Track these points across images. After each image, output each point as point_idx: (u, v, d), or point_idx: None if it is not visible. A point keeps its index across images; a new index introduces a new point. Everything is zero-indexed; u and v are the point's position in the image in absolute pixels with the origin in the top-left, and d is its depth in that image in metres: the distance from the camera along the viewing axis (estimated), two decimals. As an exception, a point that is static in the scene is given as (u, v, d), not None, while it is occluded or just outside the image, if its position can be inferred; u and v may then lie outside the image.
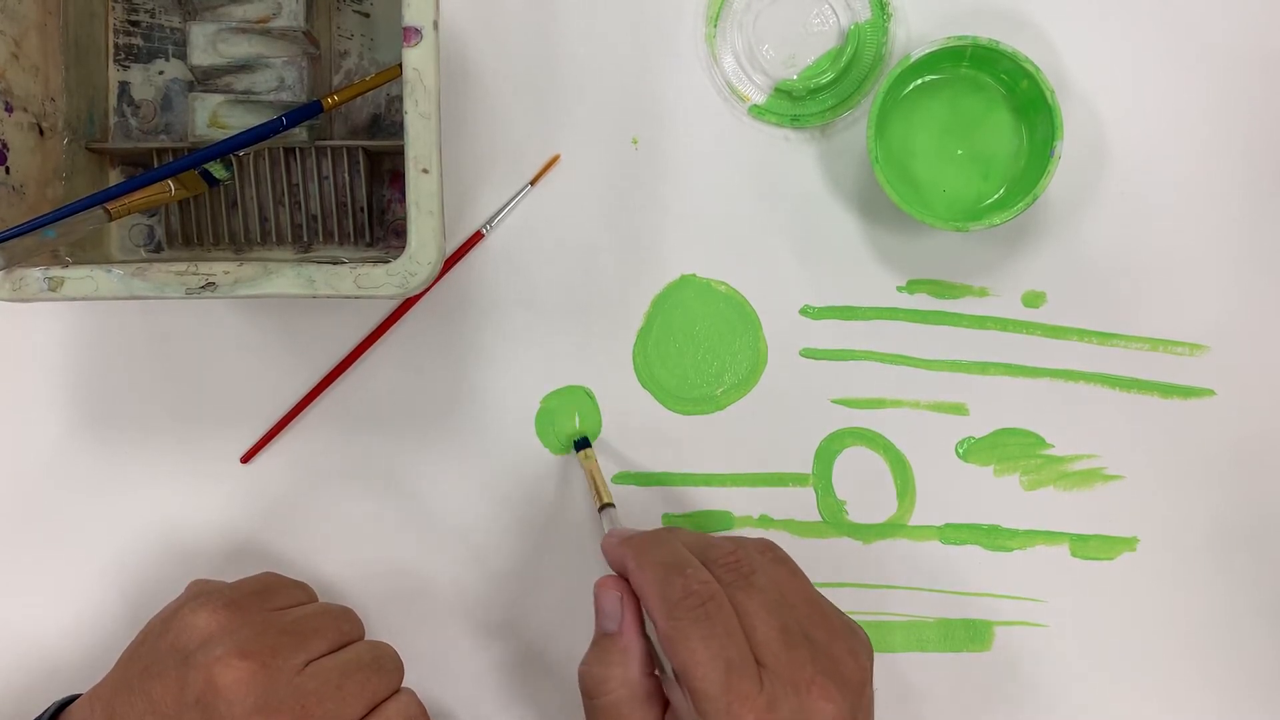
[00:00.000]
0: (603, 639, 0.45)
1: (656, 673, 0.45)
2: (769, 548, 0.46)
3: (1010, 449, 0.56)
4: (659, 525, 0.56)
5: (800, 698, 0.40)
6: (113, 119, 0.55)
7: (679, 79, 0.56)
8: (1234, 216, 0.56)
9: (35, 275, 0.45)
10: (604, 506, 0.52)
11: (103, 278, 0.45)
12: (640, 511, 0.56)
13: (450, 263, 0.56)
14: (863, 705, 0.42)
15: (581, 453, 0.55)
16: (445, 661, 0.56)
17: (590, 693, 0.44)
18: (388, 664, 0.46)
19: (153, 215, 0.55)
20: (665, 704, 0.44)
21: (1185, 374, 0.56)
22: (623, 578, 0.46)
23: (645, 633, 0.45)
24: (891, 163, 0.54)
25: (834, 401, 0.56)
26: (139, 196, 0.49)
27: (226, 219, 0.54)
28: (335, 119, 0.55)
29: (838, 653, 0.42)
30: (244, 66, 0.52)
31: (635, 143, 0.56)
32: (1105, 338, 0.56)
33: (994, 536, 0.56)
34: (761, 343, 0.56)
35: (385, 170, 0.56)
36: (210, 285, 0.45)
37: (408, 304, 0.56)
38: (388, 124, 0.55)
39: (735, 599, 0.42)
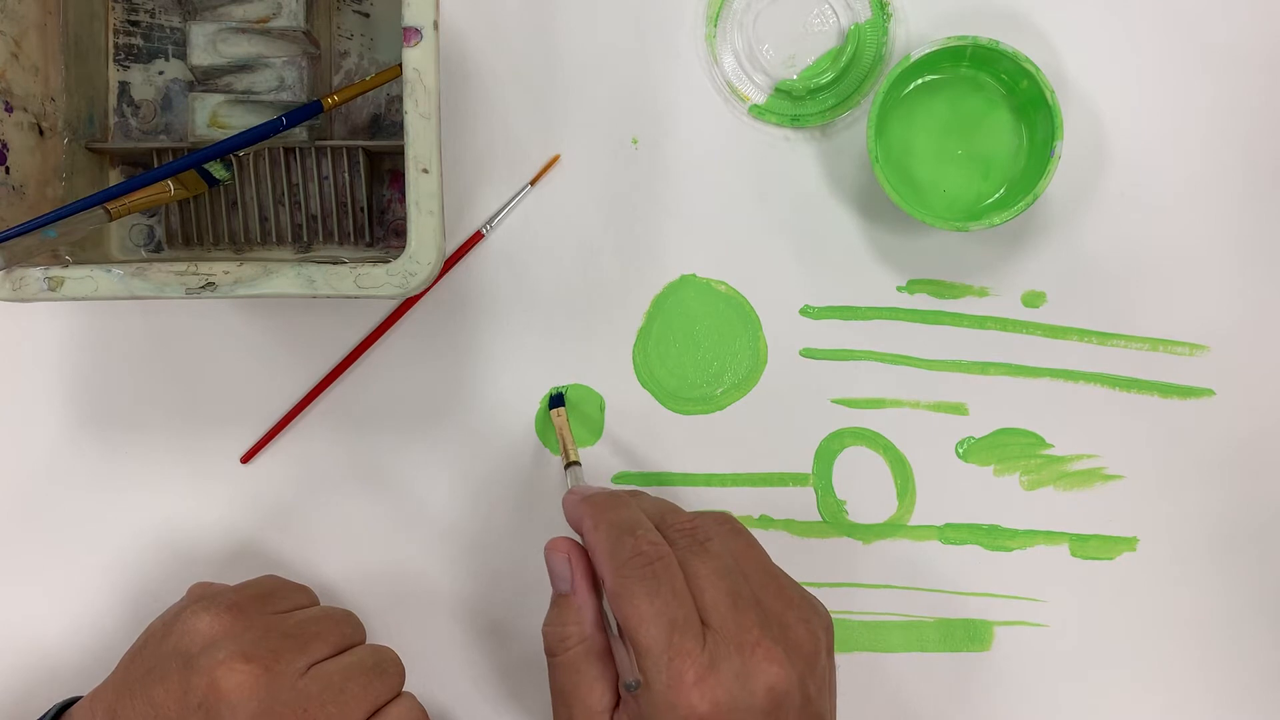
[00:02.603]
0: (559, 599, 0.46)
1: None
2: (727, 520, 0.46)
3: (1010, 449, 0.56)
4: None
5: (744, 658, 0.41)
6: (113, 119, 0.55)
7: (679, 79, 0.56)
8: (1234, 217, 0.56)
9: (35, 275, 0.45)
10: (570, 464, 0.52)
11: (103, 278, 0.45)
12: (640, 511, 0.56)
13: (450, 263, 0.56)
14: (815, 675, 0.42)
15: (554, 410, 0.55)
16: (446, 664, 0.56)
17: (551, 650, 0.45)
18: (389, 667, 0.46)
19: (153, 215, 0.55)
20: None
21: (1185, 374, 0.56)
22: (570, 540, 0.47)
23: (598, 591, 0.46)
24: (891, 163, 0.54)
25: (834, 401, 0.56)
26: (139, 196, 0.49)
27: (226, 219, 0.54)
28: (335, 119, 0.55)
29: (789, 620, 0.43)
30: (244, 66, 0.52)
31: (635, 143, 0.56)
32: (1105, 338, 0.56)
33: (994, 536, 0.56)
34: (761, 343, 0.56)
35: (385, 170, 0.56)
36: (210, 285, 0.45)
37: (408, 304, 0.56)
38: (388, 124, 0.55)
39: (686, 563, 0.43)
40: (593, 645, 0.45)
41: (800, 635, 0.42)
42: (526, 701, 0.56)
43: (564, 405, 0.55)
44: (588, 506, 0.46)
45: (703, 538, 0.44)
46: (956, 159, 0.54)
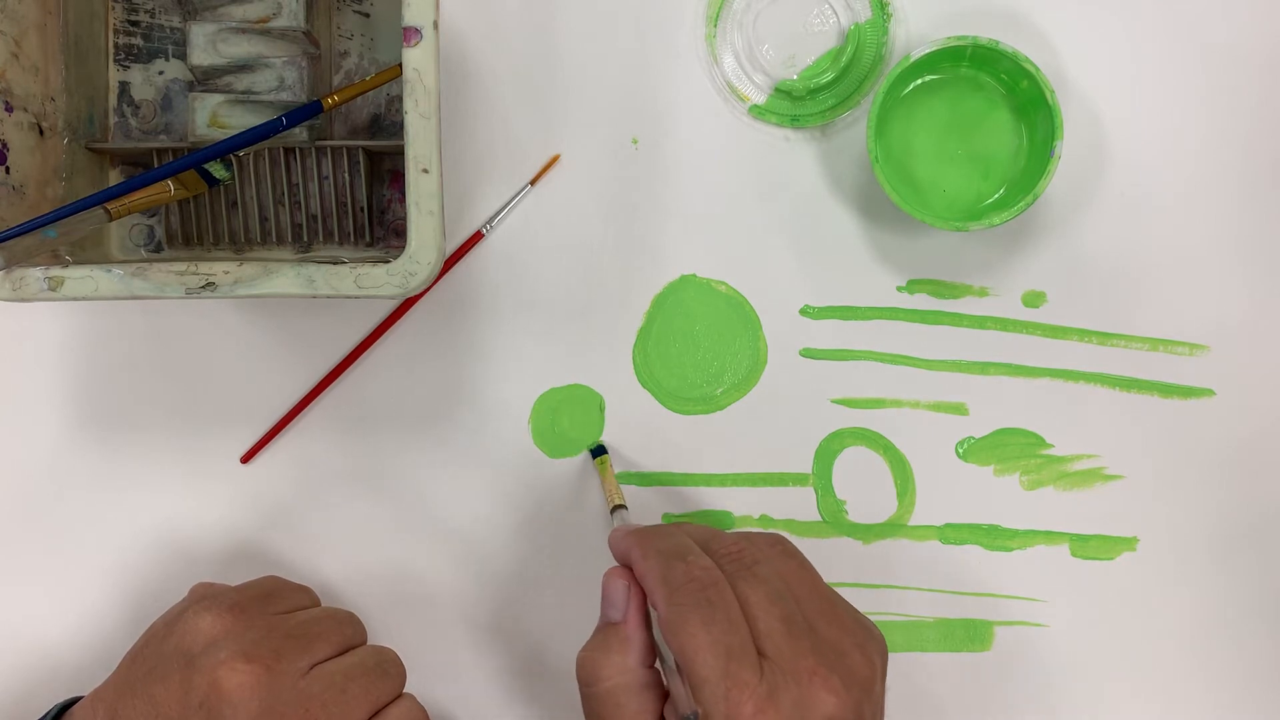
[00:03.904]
0: (606, 627, 0.45)
1: (657, 665, 0.44)
2: (778, 541, 0.45)
3: (1010, 449, 0.56)
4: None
5: (801, 688, 0.40)
6: (113, 119, 0.55)
7: (679, 79, 0.56)
8: (1234, 217, 0.56)
9: (35, 275, 0.45)
10: (616, 508, 0.52)
11: (103, 278, 0.45)
12: (640, 511, 0.56)
13: (450, 263, 0.56)
14: (871, 701, 0.41)
15: (597, 459, 0.55)
16: (446, 665, 0.56)
17: (587, 680, 0.44)
18: (391, 668, 0.46)
19: (153, 215, 0.55)
20: (664, 695, 0.44)
21: (1185, 374, 0.56)
22: (628, 569, 0.46)
23: (648, 625, 0.45)
24: (891, 163, 0.54)
25: (834, 401, 0.56)
26: (139, 196, 0.49)
27: (226, 219, 0.54)
28: (335, 119, 0.55)
29: (845, 647, 0.42)
30: (244, 66, 0.52)
31: (635, 143, 0.56)
32: (1105, 338, 0.56)
33: (994, 536, 0.56)
34: (761, 343, 0.56)
35: (385, 170, 0.56)
36: (210, 285, 0.45)
37: (408, 304, 0.56)
38: (388, 124, 0.55)
39: (738, 589, 0.42)
40: (635, 678, 0.43)
41: (856, 662, 0.41)
42: (527, 702, 0.56)
43: (606, 454, 0.55)
44: (635, 538, 0.45)
45: (750, 561, 0.43)
46: (956, 159, 0.54)
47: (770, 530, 0.46)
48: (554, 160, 0.56)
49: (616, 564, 0.47)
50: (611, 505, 0.53)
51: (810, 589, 0.44)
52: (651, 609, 0.44)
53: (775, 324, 0.56)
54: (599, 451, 0.56)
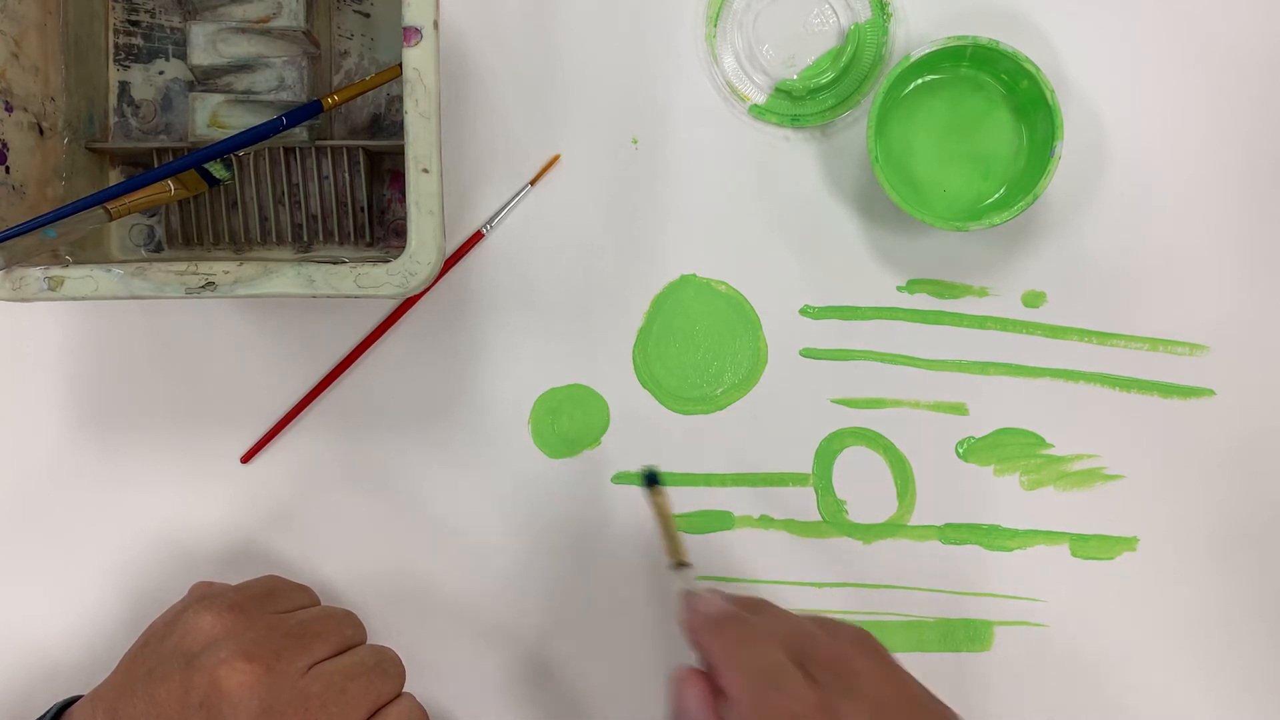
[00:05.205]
0: None
1: None
2: (863, 638, 0.43)
3: (1010, 449, 0.56)
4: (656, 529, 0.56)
5: None
6: (113, 119, 0.55)
7: (679, 79, 0.56)
8: (1234, 216, 0.56)
9: (35, 275, 0.45)
10: (679, 565, 0.46)
11: (103, 278, 0.45)
12: (640, 512, 0.56)
13: (450, 263, 0.56)
14: None
15: (652, 489, 0.49)
16: (446, 665, 0.56)
17: None
18: (390, 668, 0.46)
19: (153, 215, 0.55)
20: None
21: (1185, 374, 0.56)
22: (701, 675, 0.41)
23: None
24: (891, 163, 0.54)
25: (834, 401, 0.56)
26: (139, 196, 0.49)
27: (226, 219, 0.54)
28: (335, 119, 0.55)
29: None
30: (244, 66, 0.52)
31: (635, 143, 0.56)
32: (1105, 338, 0.56)
33: (994, 536, 0.56)
34: (761, 343, 0.56)
35: (385, 170, 0.56)
36: (210, 285, 0.45)
37: (408, 304, 0.56)
38: (388, 124, 0.55)
39: (838, 709, 0.39)
40: None
41: None
42: (526, 702, 0.56)
43: (659, 482, 0.49)
44: (719, 641, 0.41)
45: (850, 677, 0.40)
46: (956, 159, 0.54)
47: (851, 624, 0.43)
48: (554, 160, 0.56)
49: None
50: (673, 562, 0.46)
51: (906, 698, 0.41)
52: None
53: (775, 324, 0.56)
54: (651, 480, 0.48)
